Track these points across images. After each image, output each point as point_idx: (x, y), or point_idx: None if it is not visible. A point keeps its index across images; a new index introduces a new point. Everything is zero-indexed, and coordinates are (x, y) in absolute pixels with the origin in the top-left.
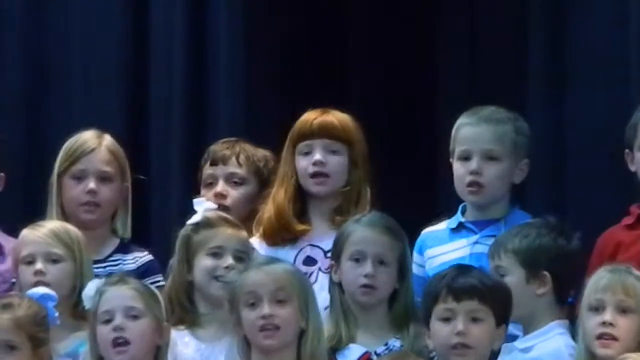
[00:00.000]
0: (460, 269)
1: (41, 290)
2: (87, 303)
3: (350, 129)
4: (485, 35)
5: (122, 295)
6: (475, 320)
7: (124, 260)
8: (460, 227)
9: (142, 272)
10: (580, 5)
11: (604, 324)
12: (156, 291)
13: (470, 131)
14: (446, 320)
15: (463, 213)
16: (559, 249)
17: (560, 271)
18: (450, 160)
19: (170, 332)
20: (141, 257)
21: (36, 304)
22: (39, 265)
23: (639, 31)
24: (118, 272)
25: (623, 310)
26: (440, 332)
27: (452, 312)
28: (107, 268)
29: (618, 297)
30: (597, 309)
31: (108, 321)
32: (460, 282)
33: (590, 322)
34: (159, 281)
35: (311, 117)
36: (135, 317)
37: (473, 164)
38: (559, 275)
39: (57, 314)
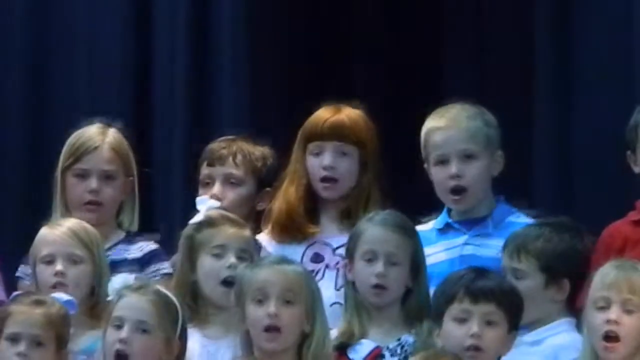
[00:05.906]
0: (478, 271)
1: (65, 296)
2: (112, 295)
3: (362, 129)
4: (491, 37)
5: (137, 306)
6: (489, 323)
7: (128, 250)
8: (447, 227)
9: (147, 260)
10: (585, 7)
11: (609, 321)
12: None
13: (442, 135)
14: (461, 321)
15: (449, 212)
16: (579, 255)
17: (578, 277)
18: (425, 166)
19: (179, 350)
20: (146, 245)
21: (63, 305)
22: (59, 266)
23: None
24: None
25: (628, 309)
26: (453, 332)
27: (468, 313)
28: (109, 257)
29: (624, 296)
30: (603, 306)
31: (118, 327)
32: (479, 284)
33: (596, 320)
34: (164, 268)
35: (323, 116)
36: (144, 331)
37: (452, 167)
38: (576, 281)
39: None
